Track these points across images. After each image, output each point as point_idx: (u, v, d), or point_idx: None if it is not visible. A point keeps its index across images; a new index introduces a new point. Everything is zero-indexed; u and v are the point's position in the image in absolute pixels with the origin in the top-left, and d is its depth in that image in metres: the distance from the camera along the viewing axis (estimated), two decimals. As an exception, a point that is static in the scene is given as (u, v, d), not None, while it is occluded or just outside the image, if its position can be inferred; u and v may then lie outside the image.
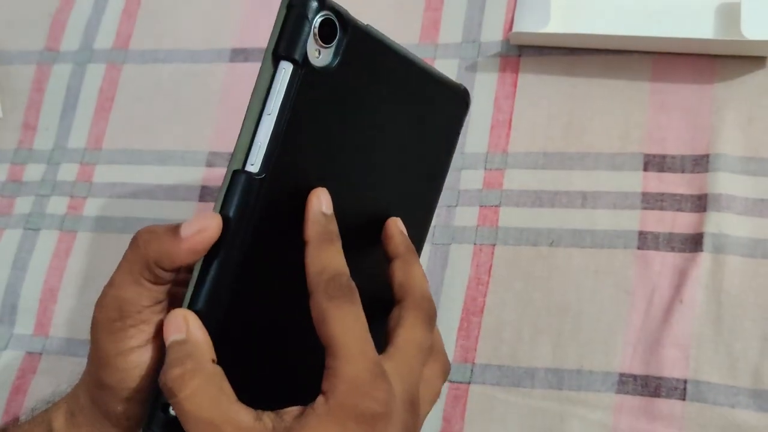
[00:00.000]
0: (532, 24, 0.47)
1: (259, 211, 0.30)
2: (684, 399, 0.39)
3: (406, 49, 0.34)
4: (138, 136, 0.52)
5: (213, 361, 0.29)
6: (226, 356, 0.29)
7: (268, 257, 0.31)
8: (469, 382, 0.42)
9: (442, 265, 0.44)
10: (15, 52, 0.56)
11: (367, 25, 0.32)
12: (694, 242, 0.41)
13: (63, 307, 0.49)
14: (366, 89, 0.33)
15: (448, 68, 0.48)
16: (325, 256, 0.31)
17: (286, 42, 0.30)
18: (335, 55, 0.31)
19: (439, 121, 0.37)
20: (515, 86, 0.47)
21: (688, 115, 0.44)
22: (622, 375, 0.40)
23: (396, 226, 0.35)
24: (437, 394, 0.34)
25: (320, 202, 0.31)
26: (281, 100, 0.29)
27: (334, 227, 0.31)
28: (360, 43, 0.31)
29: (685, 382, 0.39)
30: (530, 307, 0.42)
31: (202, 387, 0.28)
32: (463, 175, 0.46)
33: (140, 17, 0.56)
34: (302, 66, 0.29)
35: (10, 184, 0.53)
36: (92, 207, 0.51)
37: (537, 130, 0.46)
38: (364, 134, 0.33)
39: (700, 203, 0.42)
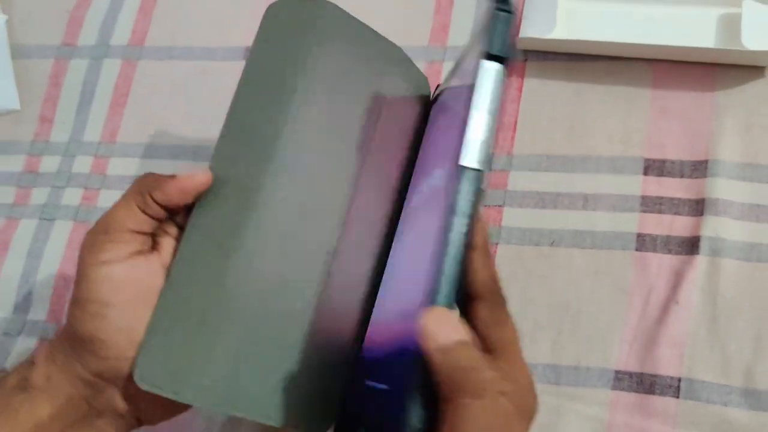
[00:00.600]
0: (538, 29, 0.48)
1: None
2: (678, 396, 0.40)
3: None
4: (152, 131, 0.53)
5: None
6: None
7: None
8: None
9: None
10: (33, 46, 0.58)
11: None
12: (691, 245, 0.43)
13: (76, 295, 0.50)
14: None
15: (455, 71, 0.50)
16: (491, 265, 0.31)
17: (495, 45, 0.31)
18: None
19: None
20: (520, 90, 0.49)
21: (688, 122, 0.45)
22: (618, 372, 0.41)
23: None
24: None
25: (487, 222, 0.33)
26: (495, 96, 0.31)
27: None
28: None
29: (679, 380, 0.40)
30: (531, 305, 0.44)
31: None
32: (468, 176, 0.47)
33: (156, 15, 0.57)
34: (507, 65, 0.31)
35: (27, 175, 0.54)
36: (106, 198, 0.52)
37: (540, 133, 0.47)
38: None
39: (698, 207, 0.43)
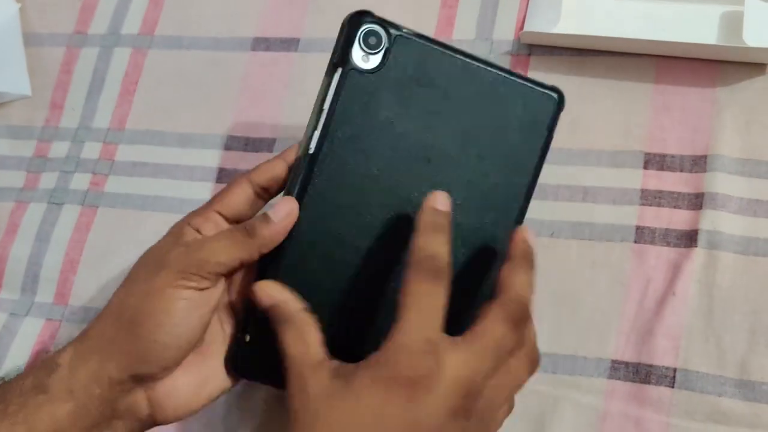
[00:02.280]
0: (542, 24, 0.49)
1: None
2: (673, 386, 0.41)
3: (476, 55, 0.39)
4: (160, 119, 0.54)
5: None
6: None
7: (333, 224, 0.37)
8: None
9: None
10: (46, 34, 0.59)
11: (418, 33, 0.38)
12: (689, 238, 0.43)
13: (82, 278, 0.51)
14: (418, 87, 0.38)
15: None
16: (430, 240, 0.34)
17: (336, 53, 0.37)
18: (383, 59, 0.37)
19: (514, 119, 0.39)
20: (524, 84, 0.49)
21: (689, 117, 0.46)
22: (614, 362, 0.42)
23: (522, 234, 0.37)
24: (520, 385, 0.36)
25: (435, 199, 0.35)
26: (331, 98, 0.37)
27: (444, 221, 0.35)
28: (409, 48, 0.38)
29: (675, 370, 0.41)
30: (529, 295, 0.44)
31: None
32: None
33: (166, 5, 0.58)
34: (349, 70, 0.37)
35: (37, 159, 0.55)
36: (113, 184, 0.53)
37: (543, 127, 0.48)
38: (420, 124, 0.38)
39: (697, 201, 0.44)
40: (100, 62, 0.57)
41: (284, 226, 0.37)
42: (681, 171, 0.45)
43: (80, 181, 0.54)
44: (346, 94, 0.37)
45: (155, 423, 0.37)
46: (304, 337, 0.35)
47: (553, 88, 0.40)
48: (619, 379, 0.42)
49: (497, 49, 0.50)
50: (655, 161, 0.45)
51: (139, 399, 0.36)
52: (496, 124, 0.39)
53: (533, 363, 0.36)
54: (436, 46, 0.38)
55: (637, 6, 0.48)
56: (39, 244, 0.52)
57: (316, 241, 0.37)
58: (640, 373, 0.41)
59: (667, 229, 0.44)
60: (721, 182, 0.44)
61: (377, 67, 0.37)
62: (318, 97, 0.38)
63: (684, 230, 0.43)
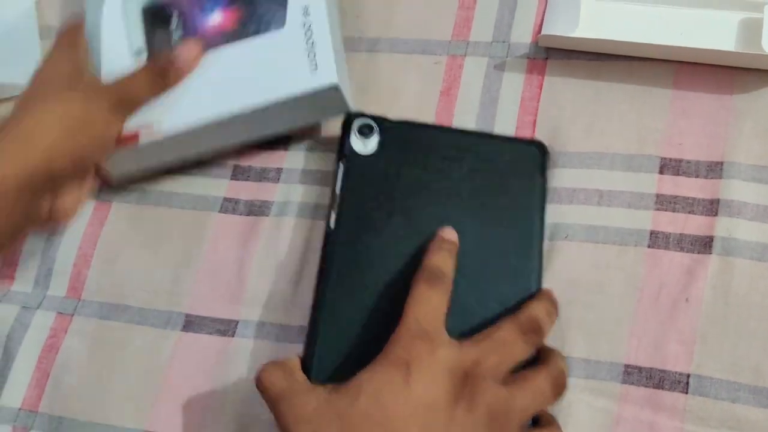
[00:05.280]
0: (561, 28, 0.49)
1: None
2: (687, 392, 0.41)
3: (457, 127, 0.47)
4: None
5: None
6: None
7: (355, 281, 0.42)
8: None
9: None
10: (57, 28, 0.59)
11: (404, 120, 0.46)
12: (703, 244, 0.43)
13: (96, 272, 0.51)
14: (414, 164, 0.44)
15: (477, 66, 0.50)
16: (436, 256, 0.40)
17: (340, 145, 0.45)
18: (379, 144, 0.45)
19: (508, 177, 0.45)
20: (541, 88, 0.49)
21: (706, 123, 0.46)
22: (627, 366, 0.42)
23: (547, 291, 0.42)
24: (543, 403, 0.38)
25: (444, 230, 0.42)
26: (340, 182, 0.44)
27: (451, 247, 0.41)
28: (398, 132, 0.45)
29: (688, 376, 0.41)
30: (543, 297, 0.44)
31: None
32: (486, 169, 0.48)
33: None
34: (350, 158, 0.44)
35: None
36: (128, 179, 0.53)
37: (559, 130, 0.48)
38: (421, 195, 0.44)
39: (712, 207, 0.44)
40: (116, 57, 0.57)
41: (189, 69, 0.46)
42: (697, 177, 0.45)
43: (95, 176, 0.54)
44: (352, 177, 0.44)
45: None
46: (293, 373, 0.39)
47: (534, 141, 0.46)
48: (632, 383, 0.42)
49: (514, 51, 0.50)
50: (670, 166, 0.45)
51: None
52: (490, 185, 0.44)
53: (558, 385, 0.38)
54: (422, 128, 0.46)
55: (655, 11, 0.49)
56: (52, 237, 0.52)
57: (344, 305, 0.42)
58: (653, 378, 0.41)
59: (681, 234, 0.44)
60: (737, 189, 0.44)
61: (375, 151, 0.44)
62: (331, 184, 0.45)
63: (699, 236, 0.43)
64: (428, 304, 0.37)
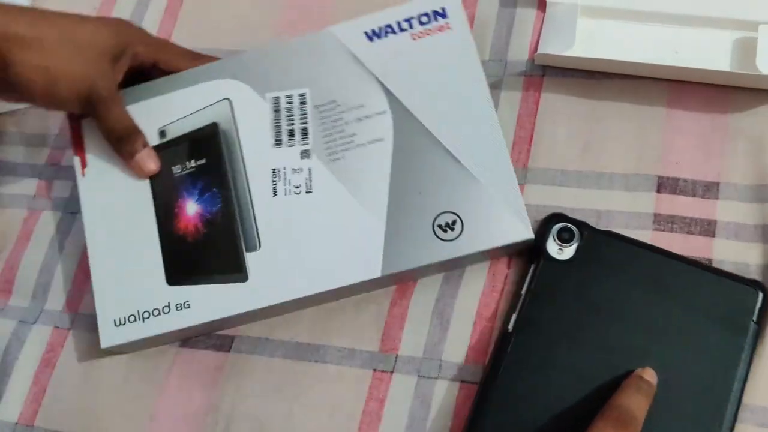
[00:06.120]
0: (557, 46, 0.49)
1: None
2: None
3: (666, 249, 0.43)
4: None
5: None
6: None
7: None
8: (477, 382, 0.44)
9: (459, 274, 0.47)
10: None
11: (608, 231, 0.43)
12: (701, 265, 0.43)
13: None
14: (610, 281, 0.42)
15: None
16: (630, 398, 0.37)
17: (534, 246, 0.43)
18: (576, 250, 0.42)
19: (714, 317, 0.40)
20: (537, 105, 0.50)
21: (701, 142, 0.46)
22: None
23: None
24: None
25: (644, 371, 0.39)
26: (527, 285, 0.42)
27: (648, 389, 0.38)
28: (600, 243, 0.43)
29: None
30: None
31: None
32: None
33: (182, 16, 0.58)
34: (545, 261, 0.42)
35: (49, 167, 0.55)
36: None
37: (556, 148, 0.48)
38: (612, 319, 0.41)
39: (710, 228, 0.44)
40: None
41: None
42: (694, 196, 0.45)
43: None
44: (542, 281, 0.42)
45: None
46: None
47: (752, 281, 0.41)
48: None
49: (511, 69, 0.51)
50: (668, 185, 0.46)
51: None
52: (691, 322, 0.40)
53: None
54: (627, 243, 0.43)
55: (650, 30, 0.49)
56: (52, 252, 0.52)
57: (511, 404, 0.40)
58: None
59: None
60: (734, 210, 0.44)
61: (570, 258, 0.42)
62: (514, 282, 0.44)
63: (697, 258, 0.44)
64: None
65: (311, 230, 0.46)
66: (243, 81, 0.49)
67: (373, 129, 0.47)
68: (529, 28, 0.51)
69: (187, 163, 0.49)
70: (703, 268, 0.42)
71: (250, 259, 0.46)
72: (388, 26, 0.48)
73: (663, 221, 0.45)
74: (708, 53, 0.48)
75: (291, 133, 0.47)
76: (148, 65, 0.49)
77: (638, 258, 0.42)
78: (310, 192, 0.46)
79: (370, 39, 0.49)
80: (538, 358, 0.41)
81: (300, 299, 0.45)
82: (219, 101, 0.49)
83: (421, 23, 0.48)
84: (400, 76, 0.48)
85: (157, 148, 0.49)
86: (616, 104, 0.48)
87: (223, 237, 0.47)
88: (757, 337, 0.40)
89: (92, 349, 0.49)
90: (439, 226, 0.44)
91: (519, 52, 0.51)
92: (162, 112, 0.50)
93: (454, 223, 0.44)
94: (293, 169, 0.47)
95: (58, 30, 0.46)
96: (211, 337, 0.48)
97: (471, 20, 0.52)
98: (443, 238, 0.44)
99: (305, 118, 0.48)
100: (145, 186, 0.49)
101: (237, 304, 0.45)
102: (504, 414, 0.40)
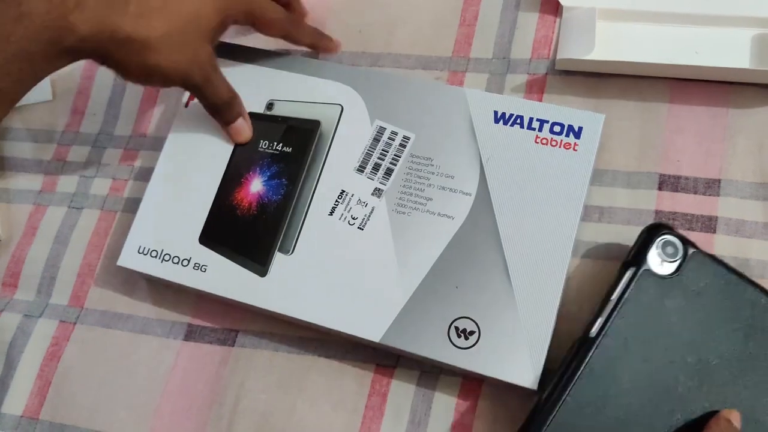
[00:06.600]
0: (577, 51, 0.49)
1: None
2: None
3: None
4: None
5: None
6: None
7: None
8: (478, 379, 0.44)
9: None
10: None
11: (712, 255, 0.41)
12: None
13: (99, 282, 0.51)
14: (704, 303, 0.40)
15: (478, 82, 0.51)
16: None
17: (631, 253, 0.41)
18: (677, 268, 0.40)
19: None
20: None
21: (702, 140, 0.47)
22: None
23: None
24: None
25: (731, 413, 0.38)
26: (620, 291, 0.40)
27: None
28: (703, 265, 0.40)
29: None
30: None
31: None
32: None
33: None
34: (643, 271, 0.40)
35: (55, 162, 0.56)
36: (133, 189, 0.53)
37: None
38: (698, 337, 0.39)
39: (711, 224, 0.44)
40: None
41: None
42: (695, 193, 0.46)
43: (100, 186, 0.54)
44: (636, 291, 0.40)
45: None
46: None
47: None
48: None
49: (514, 68, 0.51)
50: (669, 182, 0.46)
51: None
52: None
53: None
54: (728, 271, 0.40)
55: (668, 31, 0.49)
56: (57, 246, 0.53)
57: (582, 413, 0.39)
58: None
59: (680, 250, 0.44)
60: (735, 207, 0.44)
61: (671, 274, 0.40)
62: (605, 288, 0.41)
63: (697, 252, 0.44)
64: None
65: (343, 264, 0.45)
66: (361, 96, 0.49)
67: (451, 204, 0.45)
68: (532, 26, 0.52)
69: (275, 143, 0.49)
70: None
71: (278, 259, 0.46)
72: (520, 117, 0.46)
73: (664, 218, 0.45)
74: (728, 51, 0.48)
75: (376, 167, 0.47)
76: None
77: (741, 292, 0.40)
78: (362, 229, 0.46)
79: (496, 120, 0.47)
80: (619, 370, 0.39)
81: (299, 319, 0.45)
82: (333, 104, 0.49)
83: (552, 131, 0.46)
84: (502, 169, 0.46)
85: (258, 117, 0.50)
86: (619, 102, 0.49)
87: (266, 226, 0.47)
88: None
89: (97, 342, 0.49)
90: (456, 329, 0.43)
91: (522, 51, 0.51)
92: (279, 87, 0.50)
93: (471, 333, 0.43)
94: (359, 200, 0.47)
95: (163, 22, 0.44)
96: (215, 331, 0.48)
97: (474, 19, 0.53)
98: (453, 341, 0.43)
99: (397, 160, 0.47)
100: (229, 143, 0.50)
101: (245, 294, 0.46)
102: (572, 420, 0.38)
